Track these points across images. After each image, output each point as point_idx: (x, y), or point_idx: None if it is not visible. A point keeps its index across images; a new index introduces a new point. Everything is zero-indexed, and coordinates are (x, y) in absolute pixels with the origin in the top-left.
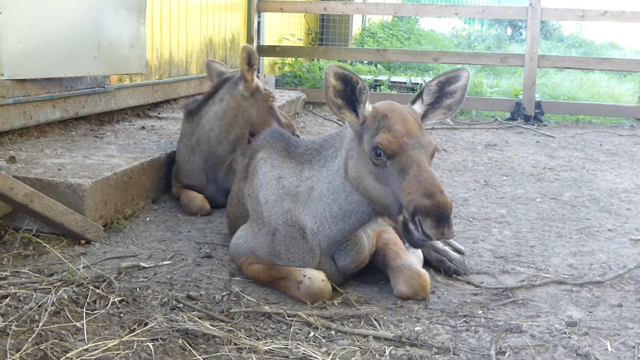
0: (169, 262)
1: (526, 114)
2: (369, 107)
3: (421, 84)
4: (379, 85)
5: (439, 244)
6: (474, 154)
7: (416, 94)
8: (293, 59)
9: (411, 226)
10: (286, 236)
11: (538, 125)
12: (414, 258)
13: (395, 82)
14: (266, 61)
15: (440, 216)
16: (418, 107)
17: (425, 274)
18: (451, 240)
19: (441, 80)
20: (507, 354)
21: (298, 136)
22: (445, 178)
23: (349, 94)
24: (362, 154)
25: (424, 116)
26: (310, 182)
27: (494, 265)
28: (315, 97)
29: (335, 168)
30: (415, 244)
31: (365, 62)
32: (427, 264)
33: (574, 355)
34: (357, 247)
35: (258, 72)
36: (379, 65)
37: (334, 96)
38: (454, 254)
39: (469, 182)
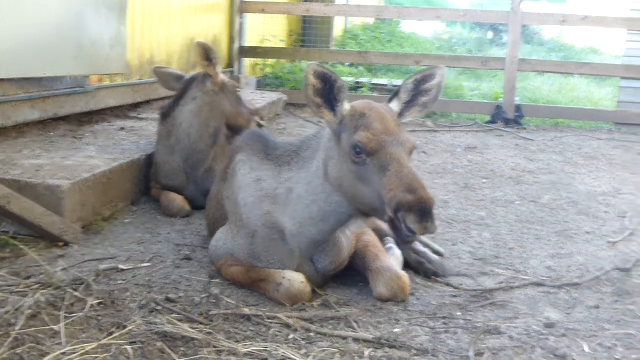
0: (148, 264)
1: (506, 117)
2: (347, 106)
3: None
4: (360, 88)
5: (418, 245)
6: (454, 157)
7: (395, 91)
8: (275, 60)
9: (397, 223)
10: (265, 238)
11: (518, 129)
12: (394, 260)
13: (376, 84)
14: (248, 62)
15: (423, 211)
16: (395, 106)
17: (404, 275)
18: (431, 242)
19: (417, 79)
20: (485, 356)
21: (262, 118)
22: (426, 181)
23: (328, 92)
24: (342, 153)
25: (401, 114)
26: (289, 184)
27: (473, 267)
28: (296, 98)
29: (313, 169)
30: (403, 241)
31: (347, 64)
32: (406, 266)
33: (552, 356)
34: (336, 248)
35: (239, 73)
36: (360, 68)
37: (314, 95)
38: (433, 256)
39: (449, 185)
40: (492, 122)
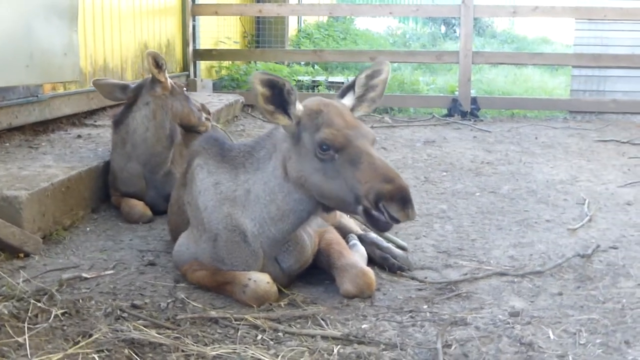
0: (111, 271)
1: (463, 110)
2: (299, 107)
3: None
4: (317, 86)
5: (382, 241)
6: (414, 151)
7: (344, 86)
8: (230, 62)
9: (375, 213)
10: (227, 241)
11: (475, 121)
12: (358, 257)
13: (333, 82)
14: (203, 65)
15: (405, 199)
16: (348, 101)
17: (369, 271)
18: (394, 237)
19: (369, 74)
20: (453, 347)
21: (208, 113)
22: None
23: (278, 97)
24: (304, 152)
25: (352, 110)
26: (247, 185)
27: (437, 260)
28: (253, 99)
29: (269, 169)
30: (381, 229)
31: (303, 63)
32: (371, 261)
33: (518, 344)
34: (299, 247)
35: (195, 77)
36: (316, 66)
37: (265, 103)
38: (397, 251)
39: (410, 179)
40: (449, 115)
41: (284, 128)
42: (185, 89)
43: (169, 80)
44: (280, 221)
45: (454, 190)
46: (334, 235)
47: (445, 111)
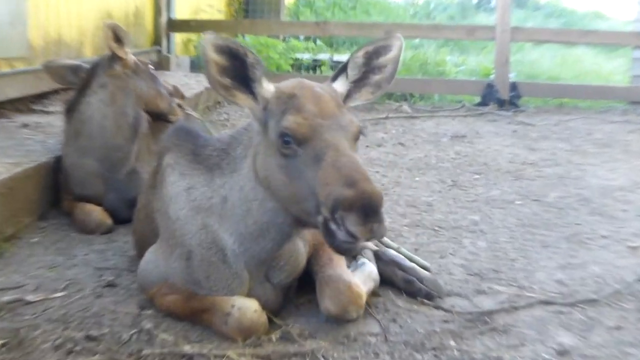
0: (61, 293)
1: (499, 98)
2: (269, 87)
3: None
4: (320, 66)
5: (404, 260)
6: (438, 148)
7: (340, 67)
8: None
9: (332, 226)
10: (203, 260)
11: (514, 111)
12: (359, 275)
13: (338, 61)
14: (179, 38)
15: (367, 209)
16: (340, 85)
17: (358, 285)
18: (413, 255)
19: (369, 51)
20: None
21: (183, 98)
22: (404, 178)
23: (240, 71)
24: (269, 145)
25: (348, 96)
26: (223, 191)
27: (467, 284)
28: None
29: (244, 171)
30: (339, 249)
31: (302, 37)
32: (390, 284)
33: None
34: (293, 259)
35: (168, 52)
36: (318, 42)
37: (219, 74)
38: (424, 273)
39: (433, 183)
40: (483, 104)
41: (251, 113)
42: (151, 67)
43: (131, 56)
44: (261, 237)
45: (488, 197)
46: None
47: (478, 99)
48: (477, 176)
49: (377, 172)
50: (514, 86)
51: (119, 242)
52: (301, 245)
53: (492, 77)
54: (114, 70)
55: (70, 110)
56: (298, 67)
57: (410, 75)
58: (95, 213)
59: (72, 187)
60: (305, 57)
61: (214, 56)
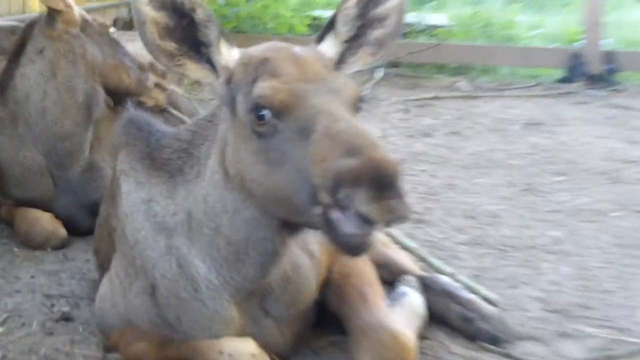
0: (0, 329)
1: (589, 73)
2: (233, 54)
3: (414, 25)
4: None
5: (462, 291)
6: (507, 140)
7: (325, 25)
8: None
9: (336, 215)
10: (171, 296)
11: (610, 90)
12: (400, 313)
13: None
14: None
15: (380, 179)
16: (330, 47)
17: (406, 335)
18: (474, 284)
19: None
20: None
21: (164, 76)
22: (460, 180)
23: (188, 34)
24: (239, 128)
25: (341, 61)
26: (187, 204)
27: (545, 324)
28: (239, 47)
29: (208, 174)
30: (349, 246)
31: None
32: (443, 323)
33: None
34: (293, 285)
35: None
36: None
37: (160, 37)
38: (489, 308)
39: (500, 186)
40: (567, 80)
41: (216, 93)
42: (112, 29)
43: (76, 9)
44: (239, 262)
45: (574, 206)
46: (357, 264)
47: (560, 73)
48: (559, 178)
49: (424, 170)
50: (609, 56)
51: (77, 260)
52: (304, 262)
53: (579, 44)
54: (54, 30)
55: (2, 87)
56: (318, 28)
57: (468, 40)
58: (43, 222)
59: (11, 188)
60: (327, 14)
61: (151, 13)
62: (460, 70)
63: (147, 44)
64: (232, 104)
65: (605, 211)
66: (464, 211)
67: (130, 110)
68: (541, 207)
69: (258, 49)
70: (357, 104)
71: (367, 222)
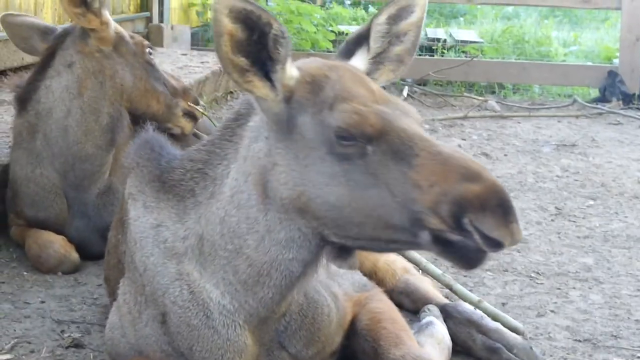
0: (8, 356)
1: (626, 92)
2: (293, 70)
3: (444, 40)
4: None
5: (485, 319)
6: (537, 162)
7: (349, 39)
8: None
9: (456, 237)
10: (182, 324)
11: None
12: (430, 345)
13: None
14: (176, 3)
15: (504, 203)
16: (361, 62)
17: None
18: (501, 313)
19: (392, 14)
20: None
21: (204, 107)
22: None
23: (257, 48)
24: (303, 151)
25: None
26: (198, 227)
27: (574, 354)
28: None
29: (228, 193)
30: (472, 264)
31: (349, 2)
32: (467, 353)
33: None
34: (309, 320)
35: (160, 21)
36: (371, 8)
37: (233, 52)
38: (516, 337)
39: (530, 211)
40: (603, 99)
41: (262, 108)
42: (150, 49)
43: (113, 24)
44: (259, 285)
45: (607, 231)
46: (385, 305)
47: (595, 92)
48: (592, 202)
49: None
50: None
51: (88, 285)
52: (325, 302)
53: (616, 61)
54: (86, 45)
55: (24, 98)
56: (341, 43)
57: (499, 57)
58: (56, 245)
59: (24, 207)
60: (353, 29)
61: (228, 24)
62: (490, 89)
63: (221, 58)
64: (289, 124)
65: (638, 237)
66: None
67: (149, 132)
68: (572, 232)
69: (312, 66)
70: (422, 126)
71: (497, 245)
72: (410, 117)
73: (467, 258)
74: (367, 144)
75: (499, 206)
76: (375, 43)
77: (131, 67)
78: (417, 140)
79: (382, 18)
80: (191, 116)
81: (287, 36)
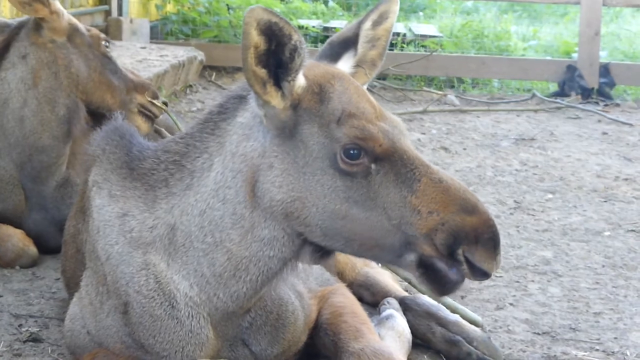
0: None
1: (585, 86)
2: (301, 80)
3: (404, 34)
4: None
5: (445, 311)
6: (497, 156)
7: (333, 42)
8: None
9: (440, 265)
10: (145, 313)
11: (605, 105)
12: (391, 339)
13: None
14: None
15: (495, 238)
16: (346, 67)
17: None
18: (459, 306)
19: (374, 19)
20: None
21: (166, 104)
22: None
23: (274, 58)
24: (305, 160)
25: None
26: (170, 217)
27: (533, 347)
28: (220, 57)
29: (211, 187)
30: (447, 290)
31: None
32: (426, 346)
33: None
34: (273, 316)
35: (119, 14)
36: (331, 3)
37: (256, 63)
38: (474, 330)
39: (489, 204)
40: (561, 93)
41: (267, 115)
42: (106, 42)
43: (65, 15)
44: (234, 278)
45: (565, 225)
46: (346, 300)
47: (554, 87)
48: (550, 196)
49: None
50: (605, 70)
51: (46, 279)
52: (290, 300)
53: (574, 56)
54: (39, 36)
55: None
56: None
57: (459, 52)
58: (14, 239)
59: None
60: (313, 24)
61: (255, 36)
62: (450, 83)
63: (246, 70)
64: (292, 130)
65: (597, 230)
66: None
67: (118, 120)
68: (531, 226)
69: (316, 73)
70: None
71: (483, 275)
72: (405, 136)
73: (444, 285)
74: (372, 162)
75: (490, 239)
76: (361, 48)
77: (85, 58)
78: (418, 164)
79: (368, 24)
80: (147, 116)
81: (305, 47)
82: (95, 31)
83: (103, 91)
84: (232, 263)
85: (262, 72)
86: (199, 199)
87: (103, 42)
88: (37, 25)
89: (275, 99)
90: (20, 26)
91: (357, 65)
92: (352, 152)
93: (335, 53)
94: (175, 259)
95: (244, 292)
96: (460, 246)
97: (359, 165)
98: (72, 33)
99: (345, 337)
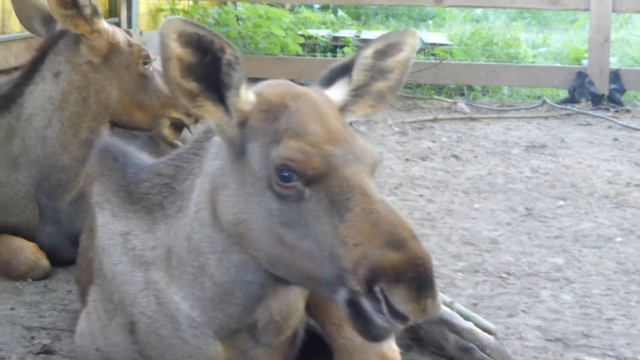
0: None
1: (595, 92)
2: (249, 95)
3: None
4: (341, 47)
5: (458, 319)
6: (508, 163)
7: (333, 67)
8: (191, 1)
9: (366, 305)
10: (151, 333)
11: (616, 111)
12: None
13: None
14: (144, 7)
15: (421, 279)
16: (338, 93)
17: (392, 350)
18: (472, 313)
19: (380, 48)
20: None
21: (197, 120)
22: (458, 205)
23: (210, 72)
24: (248, 179)
25: (343, 109)
26: (167, 239)
27: (545, 353)
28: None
29: (192, 209)
30: (375, 338)
31: (318, 6)
32: (439, 353)
33: None
34: (276, 313)
35: (129, 26)
36: (340, 12)
37: (182, 76)
38: (487, 337)
39: (500, 212)
40: (572, 100)
41: (218, 131)
42: (147, 60)
43: (109, 31)
44: (224, 302)
45: (577, 231)
46: None
47: (564, 94)
48: (561, 202)
49: (421, 195)
50: (616, 76)
51: (58, 291)
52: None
53: (584, 62)
54: (76, 55)
55: (7, 98)
56: (312, 48)
57: (468, 59)
58: (27, 252)
59: None
60: (322, 34)
61: (177, 49)
62: (460, 91)
63: (169, 82)
64: (241, 148)
65: (608, 236)
66: (462, 237)
67: (105, 139)
68: (542, 232)
69: (272, 92)
70: (374, 171)
71: (403, 318)
72: (362, 164)
73: (370, 330)
74: (305, 186)
75: (414, 279)
76: (358, 75)
77: (120, 80)
78: (356, 192)
79: (369, 51)
80: (178, 127)
81: (242, 61)
82: (137, 48)
83: (133, 112)
84: (218, 288)
85: (191, 84)
86: (186, 222)
87: (142, 61)
88: (77, 39)
89: (215, 114)
90: (60, 35)
91: (359, 94)
92: (284, 174)
93: (330, 78)
94: (174, 280)
95: (238, 314)
96: (378, 283)
97: (290, 189)
98: (111, 53)
99: (335, 324)
